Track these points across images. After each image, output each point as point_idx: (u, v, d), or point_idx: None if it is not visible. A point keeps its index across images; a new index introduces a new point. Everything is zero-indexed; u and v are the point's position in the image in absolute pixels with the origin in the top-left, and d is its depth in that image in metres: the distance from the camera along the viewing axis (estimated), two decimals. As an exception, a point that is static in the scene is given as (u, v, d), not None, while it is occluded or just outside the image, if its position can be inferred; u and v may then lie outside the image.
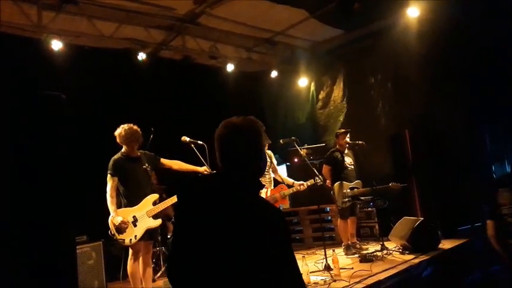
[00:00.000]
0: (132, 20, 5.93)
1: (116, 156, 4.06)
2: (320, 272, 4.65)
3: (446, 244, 5.38)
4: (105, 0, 5.46)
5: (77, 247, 4.68)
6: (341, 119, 7.78)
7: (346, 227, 5.75)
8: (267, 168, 5.07)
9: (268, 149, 5.29)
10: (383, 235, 5.73)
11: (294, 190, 5.10)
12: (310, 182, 5.07)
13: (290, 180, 5.28)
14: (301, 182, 5.10)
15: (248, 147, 1.71)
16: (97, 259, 4.84)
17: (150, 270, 4.22)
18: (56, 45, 5.36)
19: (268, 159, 5.09)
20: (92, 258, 4.79)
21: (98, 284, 4.76)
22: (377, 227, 6.50)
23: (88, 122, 5.41)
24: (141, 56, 6.20)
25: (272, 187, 5.19)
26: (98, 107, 5.66)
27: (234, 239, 1.53)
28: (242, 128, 1.73)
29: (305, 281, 4.37)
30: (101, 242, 4.84)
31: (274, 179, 5.33)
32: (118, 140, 4.07)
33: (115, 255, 5.13)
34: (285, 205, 5.41)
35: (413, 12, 6.05)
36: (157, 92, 6.45)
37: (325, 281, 4.27)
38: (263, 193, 4.96)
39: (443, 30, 6.12)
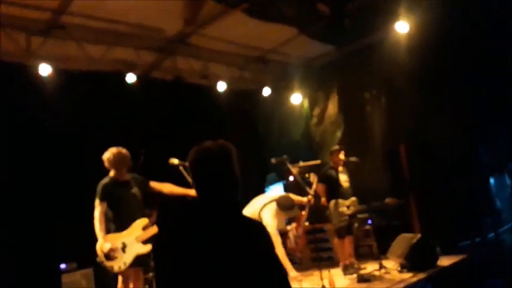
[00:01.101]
0: (121, 42, 6.06)
1: (104, 181, 4.11)
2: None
3: (445, 261, 5.40)
4: (94, 24, 5.59)
5: (67, 274, 4.73)
6: (338, 135, 7.84)
7: (343, 247, 5.77)
8: None
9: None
10: (382, 253, 5.74)
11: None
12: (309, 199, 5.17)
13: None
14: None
15: (220, 170, 1.76)
16: (88, 286, 4.85)
17: (140, 297, 4.23)
18: (45, 70, 5.44)
19: None
20: (82, 285, 4.80)
21: (88, 311, 4.77)
22: (375, 245, 6.50)
23: (78, 146, 5.49)
24: (132, 77, 6.28)
25: None
26: (87, 130, 5.72)
27: (229, 263, 1.61)
28: (213, 152, 1.77)
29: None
30: (91, 269, 4.87)
31: None
32: (106, 165, 4.12)
33: (106, 281, 5.14)
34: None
35: (403, 27, 6.17)
36: (149, 114, 6.53)
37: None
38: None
39: (434, 43, 6.23)
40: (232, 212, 1.75)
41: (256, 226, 1.75)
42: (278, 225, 5.02)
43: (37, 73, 5.35)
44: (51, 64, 5.48)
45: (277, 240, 4.80)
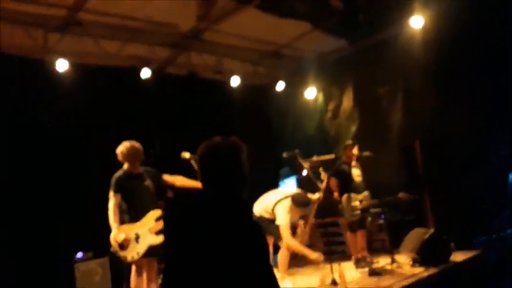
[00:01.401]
0: (136, 38, 6.21)
1: (118, 174, 4.26)
2: (326, 287, 4.73)
3: (458, 256, 5.39)
4: (109, 20, 5.75)
5: (83, 263, 4.92)
6: (353, 130, 7.86)
7: (355, 240, 5.82)
8: None
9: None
10: (394, 248, 5.77)
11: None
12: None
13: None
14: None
15: (228, 167, 1.81)
16: (103, 275, 5.03)
17: (154, 287, 4.37)
18: (62, 65, 5.62)
19: None
20: (98, 274, 4.98)
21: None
22: (388, 240, 6.52)
23: (94, 139, 5.67)
24: (147, 73, 6.41)
25: None
26: (102, 124, 5.89)
27: (221, 257, 1.67)
28: (222, 148, 1.84)
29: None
30: (107, 258, 5.03)
31: None
32: (120, 158, 4.28)
33: (122, 270, 5.30)
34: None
35: (418, 22, 6.15)
36: (163, 108, 6.68)
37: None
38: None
39: (451, 37, 6.19)
40: (235, 209, 1.78)
41: (256, 229, 1.78)
42: (291, 219, 5.08)
43: (54, 69, 5.53)
44: (68, 59, 5.66)
45: (287, 233, 4.87)
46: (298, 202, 4.98)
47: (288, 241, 4.88)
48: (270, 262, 1.79)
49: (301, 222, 5.32)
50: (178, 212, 1.85)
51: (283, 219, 4.87)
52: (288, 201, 4.99)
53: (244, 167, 1.85)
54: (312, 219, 5.25)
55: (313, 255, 4.70)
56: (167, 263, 1.84)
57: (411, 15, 6.18)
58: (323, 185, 5.26)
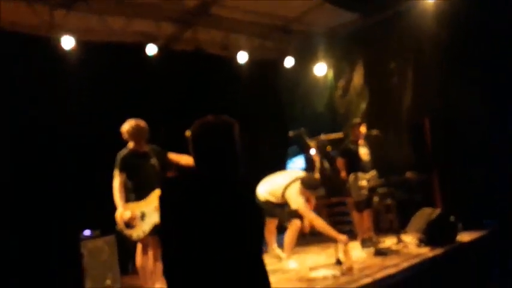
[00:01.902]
0: (141, 13, 6.18)
1: (123, 152, 4.32)
2: (330, 266, 4.82)
3: (465, 237, 5.43)
4: (114, -5, 5.74)
5: (90, 241, 5.05)
6: (363, 107, 7.82)
7: (362, 220, 5.89)
8: None
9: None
10: (402, 228, 5.83)
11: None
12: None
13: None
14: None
15: (220, 146, 1.84)
16: (110, 253, 5.15)
17: (160, 265, 4.49)
18: (68, 43, 5.64)
19: None
20: (105, 252, 5.11)
21: (111, 277, 5.08)
22: (396, 220, 6.57)
23: (100, 116, 5.74)
24: (153, 49, 6.41)
25: None
26: (108, 101, 5.93)
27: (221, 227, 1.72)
28: (214, 126, 1.86)
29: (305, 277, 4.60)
30: (114, 236, 5.13)
31: None
32: (125, 136, 4.32)
33: (129, 248, 5.45)
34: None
35: (431, -5, 6.01)
36: (170, 85, 6.70)
37: (333, 275, 4.45)
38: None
39: (465, 12, 6.06)
40: (228, 187, 1.82)
41: (252, 206, 1.84)
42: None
43: (59, 46, 5.55)
44: (73, 36, 5.67)
45: (310, 214, 4.93)
46: (308, 185, 5.00)
47: (315, 221, 4.91)
48: (262, 242, 1.87)
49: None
50: (173, 190, 1.90)
51: (298, 203, 4.90)
52: (298, 184, 5.01)
53: (236, 145, 1.87)
54: (313, 201, 5.27)
55: (340, 236, 4.72)
56: (163, 241, 1.88)
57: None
58: (316, 165, 5.23)
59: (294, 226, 5.10)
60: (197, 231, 1.74)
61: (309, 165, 7.15)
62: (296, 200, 4.91)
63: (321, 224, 4.89)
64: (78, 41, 5.66)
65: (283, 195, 5.02)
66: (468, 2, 5.91)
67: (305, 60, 8.18)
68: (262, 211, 1.88)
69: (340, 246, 4.86)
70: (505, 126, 6.43)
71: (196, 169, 1.88)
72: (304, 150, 7.41)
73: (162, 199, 1.93)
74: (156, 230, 4.31)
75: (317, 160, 5.34)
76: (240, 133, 1.92)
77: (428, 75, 6.62)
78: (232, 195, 1.82)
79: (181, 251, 1.78)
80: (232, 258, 1.73)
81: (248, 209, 1.83)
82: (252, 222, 1.81)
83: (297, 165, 7.73)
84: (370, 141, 5.98)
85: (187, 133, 4.37)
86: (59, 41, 5.55)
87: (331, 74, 8.29)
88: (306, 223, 5.11)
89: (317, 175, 5.18)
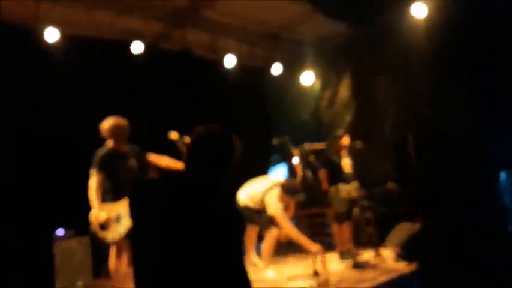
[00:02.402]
0: (130, 10, 6.08)
1: (101, 151, 4.17)
2: (307, 277, 4.75)
3: (443, 254, 5.42)
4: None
5: (64, 241, 4.90)
6: (348, 118, 7.83)
7: (341, 232, 5.84)
8: None
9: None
10: (382, 242, 5.81)
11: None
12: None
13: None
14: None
15: (223, 151, 1.86)
16: (84, 254, 5.01)
17: (133, 268, 4.36)
18: (53, 35, 5.50)
19: None
20: (78, 253, 4.95)
21: (83, 279, 4.93)
22: (375, 233, 6.55)
23: (81, 112, 5.59)
24: (140, 46, 6.30)
25: None
26: (91, 97, 5.79)
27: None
28: (219, 133, 1.89)
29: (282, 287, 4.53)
30: (87, 237, 4.98)
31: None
32: (104, 134, 4.18)
33: (102, 249, 5.29)
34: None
35: (421, 10, 6.04)
36: (155, 84, 6.59)
37: (310, 287, 4.38)
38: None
39: (453, 29, 6.11)
40: (217, 193, 1.80)
41: (236, 215, 1.84)
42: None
43: (43, 39, 5.41)
44: (59, 29, 5.53)
45: (285, 222, 4.84)
46: (288, 189, 4.95)
47: (288, 229, 4.85)
48: (241, 250, 1.83)
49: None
50: (146, 191, 1.86)
51: (276, 208, 4.83)
52: (277, 190, 4.95)
53: (237, 155, 1.90)
54: (293, 209, 5.20)
55: (313, 246, 4.64)
56: (134, 243, 1.87)
57: (414, 2, 6.08)
58: (299, 173, 5.17)
59: (271, 234, 5.03)
60: (171, 234, 1.70)
61: (292, 174, 7.10)
62: (274, 205, 4.83)
63: (295, 233, 4.83)
64: (63, 34, 5.53)
65: (262, 200, 4.95)
66: (456, 17, 5.96)
67: (292, 69, 8.17)
68: (242, 216, 1.85)
69: (318, 258, 4.80)
70: (488, 143, 6.51)
71: (188, 171, 1.87)
72: (287, 158, 7.35)
73: (132, 200, 1.88)
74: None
75: (299, 169, 5.27)
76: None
77: (416, 89, 6.65)
78: (213, 198, 1.77)
79: (153, 253, 1.73)
80: (206, 261, 1.68)
81: (228, 213, 1.78)
82: (231, 227, 1.76)
83: (279, 173, 7.66)
84: (353, 153, 5.96)
85: (171, 135, 4.30)
86: (43, 33, 5.41)
87: (318, 84, 8.29)
88: (283, 232, 5.04)
89: (298, 181, 5.11)
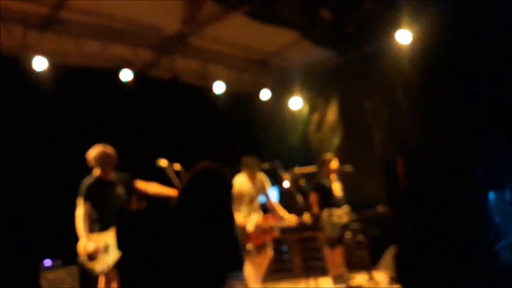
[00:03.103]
0: (119, 39, 6.08)
1: (88, 180, 4.09)
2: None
3: (436, 276, 5.34)
4: (92, 20, 5.60)
5: (51, 272, 4.74)
6: (335, 142, 7.82)
7: (334, 257, 5.74)
8: (256, 194, 5.05)
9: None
10: (374, 265, 5.71)
11: (284, 225, 5.03)
12: (302, 219, 5.01)
13: (281, 212, 5.12)
14: (293, 219, 4.97)
15: (210, 195, 1.87)
16: (72, 284, 4.85)
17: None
18: (41, 64, 5.45)
19: (259, 184, 5.09)
20: (66, 283, 4.80)
21: (72, 310, 4.76)
22: (368, 256, 6.45)
23: (69, 142, 5.50)
24: (129, 75, 6.26)
25: (261, 213, 5.11)
26: (79, 126, 5.72)
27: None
28: (210, 173, 1.91)
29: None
30: (76, 267, 4.84)
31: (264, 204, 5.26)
32: (91, 163, 4.11)
33: (91, 280, 5.13)
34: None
35: (405, 37, 6.13)
36: (144, 112, 6.55)
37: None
38: (252, 220, 4.89)
39: (437, 55, 6.19)
40: (198, 225, 1.80)
41: (217, 254, 1.80)
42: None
43: (31, 67, 5.36)
44: (47, 58, 5.49)
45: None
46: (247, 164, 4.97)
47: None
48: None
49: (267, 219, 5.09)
50: (134, 224, 1.86)
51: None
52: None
53: (224, 196, 1.92)
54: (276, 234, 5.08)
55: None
56: (125, 273, 1.86)
57: (399, 30, 6.17)
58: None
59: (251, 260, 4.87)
60: (158, 266, 1.69)
61: (283, 198, 7.02)
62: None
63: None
64: (51, 63, 5.49)
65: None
66: (441, 43, 6.04)
67: (281, 94, 8.20)
68: (223, 255, 1.82)
69: (312, 283, 4.68)
70: (477, 165, 6.52)
71: (178, 203, 1.89)
72: (278, 182, 7.28)
73: (119, 231, 1.85)
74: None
75: (314, 198, 5.33)
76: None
77: (402, 114, 6.68)
78: (199, 236, 1.78)
79: (141, 283, 1.72)
80: None
81: (212, 251, 1.79)
82: (214, 262, 1.78)
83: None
84: (342, 177, 5.93)
85: (160, 162, 4.23)
86: (31, 62, 5.36)
87: (306, 109, 8.31)
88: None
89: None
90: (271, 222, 4.98)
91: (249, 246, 4.77)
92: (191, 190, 1.88)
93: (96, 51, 6.08)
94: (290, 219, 4.99)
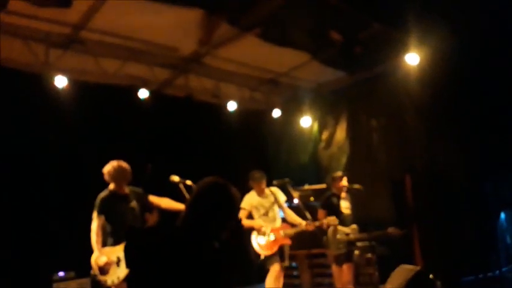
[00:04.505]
0: (136, 58, 6.14)
1: (103, 194, 4.11)
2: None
3: (444, 296, 5.20)
4: (111, 40, 5.69)
5: (63, 284, 4.71)
6: (344, 160, 7.76)
7: (341, 274, 5.63)
8: (270, 206, 5.05)
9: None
10: (381, 283, 5.57)
11: (299, 230, 5.01)
12: (320, 223, 5.02)
13: (298, 220, 5.13)
14: (310, 222, 4.97)
15: (219, 209, 1.84)
16: (83, 296, 4.81)
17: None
18: (61, 81, 5.53)
19: (270, 197, 5.08)
20: (77, 295, 4.76)
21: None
22: (376, 274, 6.31)
23: (86, 157, 5.53)
24: (144, 93, 6.34)
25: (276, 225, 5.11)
26: (97, 142, 5.76)
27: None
28: (224, 191, 1.88)
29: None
30: (88, 279, 4.82)
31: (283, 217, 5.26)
32: (106, 178, 4.14)
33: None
34: (286, 244, 5.28)
35: (413, 58, 6.13)
36: (159, 129, 6.57)
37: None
38: (265, 231, 4.88)
39: (446, 77, 6.15)
40: (207, 249, 1.78)
41: (213, 265, 1.77)
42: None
43: (52, 84, 5.44)
44: (67, 76, 5.58)
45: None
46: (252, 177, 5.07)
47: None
48: None
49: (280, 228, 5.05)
50: (140, 242, 1.83)
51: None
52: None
53: (229, 211, 1.90)
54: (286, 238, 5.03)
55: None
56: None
57: (407, 52, 6.16)
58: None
59: (272, 272, 4.83)
60: (165, 282, 1.68)
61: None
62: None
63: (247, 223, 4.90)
64: (71, 80, 5.57)
65: None
66: (449, 64, 6.02)
67: (292, 113, 8.21)
68: (225, 276, 1.78)
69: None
70: (485, 185, 6.41)
71: (185, 221, 1.85)
72: (287, 199, 7.21)
73: (126, 250, 1.84)
74: (130, 276, 4.05)
75: (323, 214, 5.45)
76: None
77: (410, 133, 6.61)
78: (199, 258, 1.75)
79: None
80: None
81: (212, 275, 1.75)
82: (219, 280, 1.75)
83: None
84: (351, 195, 5.85)
85: (172, 178, 4.24)
86: (52, 80, 5.44)
87: (316, 127, 8.28)
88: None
89: (307, 226, 5.00)
90: (287, 230, 4.97)
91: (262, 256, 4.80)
92: (195, 206, 1.86)
93: (114, 70, 6.15)
94: (303, 223, 4.97)
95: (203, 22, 5.57)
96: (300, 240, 5.51)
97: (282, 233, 4.91)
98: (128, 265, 1.80)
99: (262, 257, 4.89)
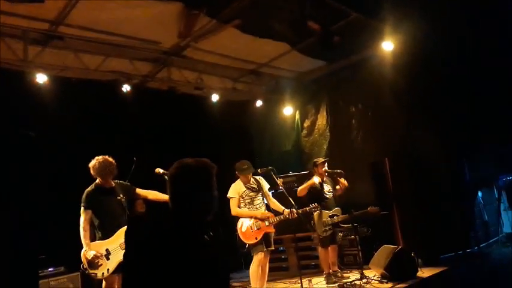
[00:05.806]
0: (117, 53, 5.99)
1: (89, 189, 4.02)
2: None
3: (425, 272, 5.28)
4: (91, 35, 5.51)
5: (54, 278, 4.61)
6: (325, 147, 7.77)
7: (327, 256, 5.66)
8: (255, 195, 5.00)
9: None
10: (366, 263, 5.62)
11: (282, 218, 4.98)
12: (303, 210, 4.99)
13: (281, 208, 5.11)
14: (292, 210, 4.93)
15: (197, 186, 1.76)
16: (74, 290, 4.72)
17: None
18: (41, 78, 5.35)
19: (255, 186, 5.03)
20: (68, 290, 4.67)
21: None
22: (360, 254, 6.36)
23: (70, 152, 5.39)
24: (126, 87, 6.20)
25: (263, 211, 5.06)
26: (80, 137, 5.61)
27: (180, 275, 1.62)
28: (193, 168, 1.78)
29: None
30: (78, 273, 4.74)
31: (267, 204, 5.22)
32: (92, 172, 4.03)
33: (93, 286, 5.00)
34: (271, 231, 5.25)
35: (388, 46, 6.14)
36: (143, 123, 6.45)
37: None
38: (246, 220, 4.84)
39: (421, 62, 6.17)
40: (195, 233, 1.73)
41: (212, 252, 1.72)
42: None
43: (33, 81, 5.26)
44: (47, 73, 5.40)
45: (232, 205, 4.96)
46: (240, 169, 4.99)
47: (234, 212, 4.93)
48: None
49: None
50: (139, 230, 1.79)
51: (230, 193, 4.95)
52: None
53: (212, 190, 1.81)
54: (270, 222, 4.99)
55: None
56: (124, 278, 1.77)
57: (383, 39, 6.16)
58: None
59: (255, 260, 4.80)
60: (156, 273, 1.63)
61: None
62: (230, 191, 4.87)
63: (239, 213, 4.90)
64: (51, 77, 5.39)
65: None
66: (423, 49, 6.04)
67: (274, 102, 8.17)
68: (219, 257, 1.72)
69: (305, 282, 4.59)
70: (463, 165, 6.49)
71: (170, 209, 1.78)
72: (272, 187, 7.19)
73: (127, 237, 1.79)
74: (121, 269, 3.96)
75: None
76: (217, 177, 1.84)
77: (388, 117, 6.64)
78: (195, 244, 1.70)
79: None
80: None
81: (208, 260, 1.70)
82: (210, 274, 1.68)
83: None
84: (333, 179, 5.86)
85: (157, 170, 4.14)
86: (32, 76, 5.26)
87: (297, 116, 8.26)
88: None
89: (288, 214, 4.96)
90: (270, 218, 4.92)
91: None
92: (175, 189, 1.78)
93: (95, 65, 5.99)
94: (286, 212, 4.94)
95: (183, 15, 5.44)
96: (286, 225, 5.49)
97: (266, 222, 4.86)
98: (126, 252, 1.74)
99: (247, 245, 4.84)
